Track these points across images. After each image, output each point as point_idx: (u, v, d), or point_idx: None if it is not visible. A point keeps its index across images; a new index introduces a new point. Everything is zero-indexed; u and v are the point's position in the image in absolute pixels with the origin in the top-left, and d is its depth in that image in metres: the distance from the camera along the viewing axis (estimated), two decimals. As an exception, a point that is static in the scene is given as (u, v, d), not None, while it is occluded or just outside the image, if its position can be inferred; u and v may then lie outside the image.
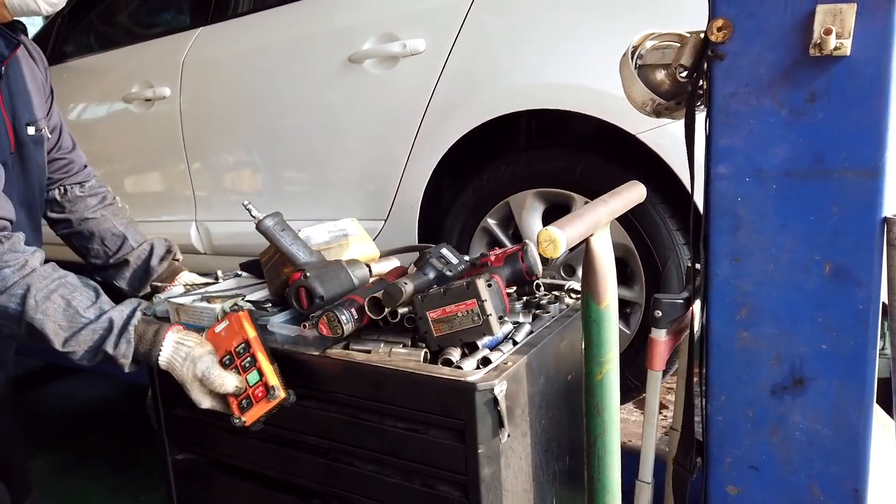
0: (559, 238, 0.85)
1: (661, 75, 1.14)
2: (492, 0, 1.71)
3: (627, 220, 1.61)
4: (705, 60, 1.03)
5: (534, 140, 1.88)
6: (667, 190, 1.57)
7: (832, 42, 0.90)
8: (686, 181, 1.49)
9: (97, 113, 2.69)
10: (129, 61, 2.58)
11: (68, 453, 2.75)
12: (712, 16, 0.99)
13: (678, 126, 1.47)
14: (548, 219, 1.79)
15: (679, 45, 1.12)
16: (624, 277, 1.67)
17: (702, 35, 1.03)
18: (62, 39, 2.90)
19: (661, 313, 1.14)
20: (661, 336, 1.15)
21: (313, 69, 2.02)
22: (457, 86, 1.77)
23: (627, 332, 1.71)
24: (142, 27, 3.29)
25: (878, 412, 1.03)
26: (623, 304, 1.66)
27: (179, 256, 1.63)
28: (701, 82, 1.05)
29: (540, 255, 1.01)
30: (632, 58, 1.16)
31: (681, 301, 1.14)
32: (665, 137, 1.51)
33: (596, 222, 0.95)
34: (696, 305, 1.23)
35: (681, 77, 1.08)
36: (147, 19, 3.49)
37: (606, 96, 1.52)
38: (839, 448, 1.01)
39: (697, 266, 1.25)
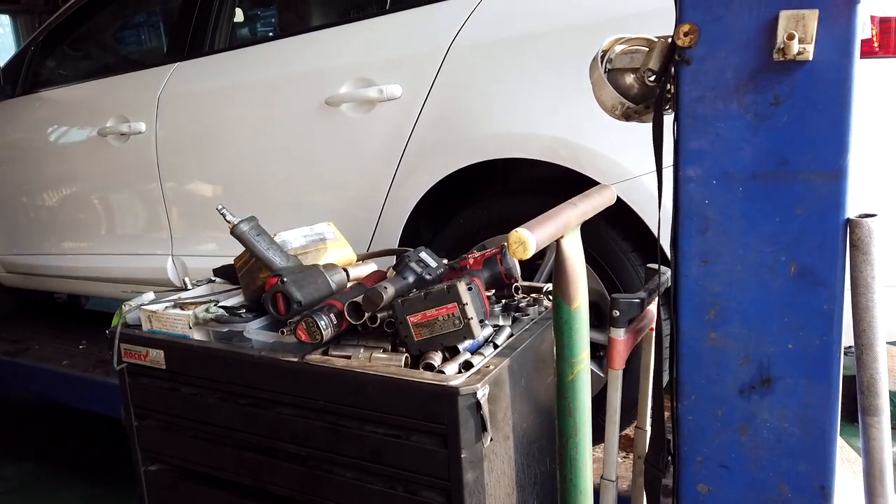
0: (528, 240, 0.86)
1: (629, 79, 1.16)
2: (466, 50, 1.74)
3: (600, 266, 1.66)
4: (673, 65, 1.04)
5: (509, 185, 1.91)
6: (638, 238, 1.62)
7: (795, 47, 0.92)
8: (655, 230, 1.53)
9: (71, 145, 2.65)
10: (105, 94, 2.55)
11: (41, 462, 2.70)
12: (679, 20, 1.00)
13: (650, 179, 1.56)
14: (524, 262, 1.83)
15: (647, 49, 1.14)
16: (597, 321, 1.70)
17: (669, 39, 1.05)
18: (35, 68, 2.85)
19: (618, 312, 1.16)
20: (619, 335, 1.17)
21: (291, 110, 2.03)
22: (433, 132, 1.80)
23: (601, 374, 1.72)
24: (117, 59, 3.27)
25: (842, 446, 1.06)
26: (596, 348, 1.69)
27: None
28: (669, 86, 1.07)
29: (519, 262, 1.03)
30: (601, 62, 1.17)
31: (637, 300, 1.16)
32: (638, 192, 1.56)
33: (565, 224, 0.96)
34: (654, 305, 1.26)
35: (649, 81, 1.10)
36: (122, 51, 3.46)
37: (577, 147, 1.58)
38: (806, 446, 1.03)
39: (655, 266, 1.29)
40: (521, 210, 1.74)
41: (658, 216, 1.10)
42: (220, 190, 2.26)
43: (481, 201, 1.83)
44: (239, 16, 2.51)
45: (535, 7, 1.71)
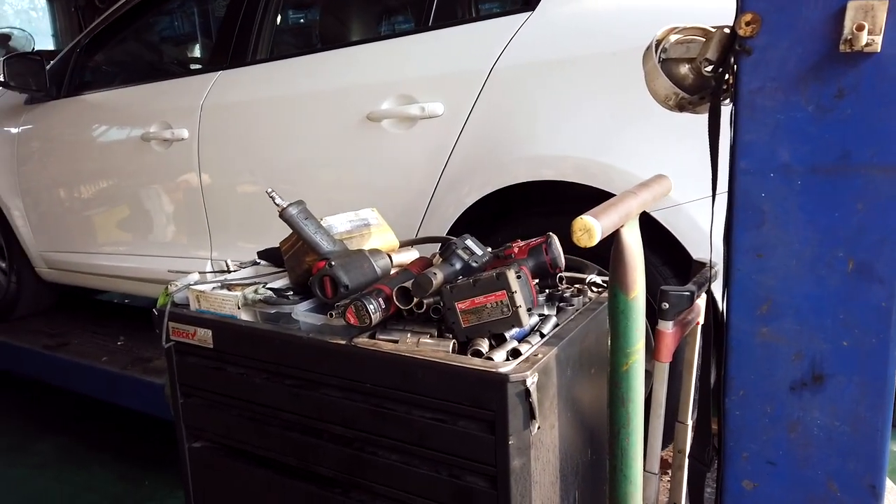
0: (594, 227, 0.86)
1: (684, 69, 1.15)
2: (509, 71, 1.75)
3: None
4: (732, 55, 1.03)
5: (546, 205, 1.91)
6: (678, 265, 1.62)
7: (863, 38, 0.90)
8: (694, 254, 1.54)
9: (115, 148, 2.69)
10: (148, 100, 2.59)
11: (75, 437, 2.76)
12: (741, 9, 0.99)
13: (692, 206, 1.56)
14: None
15: (704, 39, 1.12)
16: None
17: (728, 29, 1.04)
18: (79, 70, 2.90)
19: (667, 305, 1.15)
20: (668, 328, 1.16)
21: (332, 123, 2.04)
22: (473, 151, 1.80)
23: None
24: (160, 65, 3.32)
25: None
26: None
27: None
28: (726, 77, 1.06)
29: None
30: (655, 51, 1.16)
31: (687, 293, 1.15)
32: (680, 218, 1.57)
33: (627, 213, 0.96)
34: (703, 298, 1.25)
35: (706, 71, 1.08)
36: (165, 57, 3.52)
37: (619, 172, 1.58)
38: (857, 444, 1.02)
39: (705, 259, 1.28)
40: (557, 231, 1.77)
41: (711, 209, 1.09)
42: (259, 198, 2.27)
43: (518, 220, 1.84)
44: (281, 26, 2.54)
45: (577, 30, 1.71)
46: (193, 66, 3.39)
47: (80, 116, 2.81)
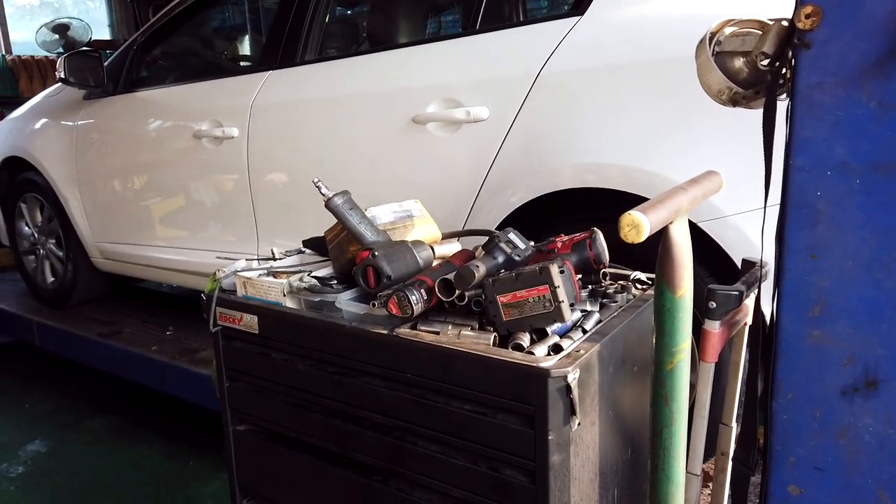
0: (643, 222, 0.85)
1: (739, 63, 1.12)
2: (556, 76, 1.73)
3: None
4: (789, 48, 1.00)
5: (594, 213, 1.89)
6: (722, 270, 1.60)
7: (931, 33, 0.86)
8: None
9: (167, 144, 2.77)
10: (200, 98, 2.65)
11: (125, 417, 2.86)
12: (801, 2, 0.96)
13: (739, 218, 1.53)
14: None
15: (760, 32, 1.09)
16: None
17: (786, 22, 1.01)
18: (135, 67, 2.99)
19: (714, 304, 1.12)
20: (714, 328, 1.13)
21: (378, 125, 2.06)
22: (517, 156, 1.79)
23: None
24: (212, 64, 3.41)
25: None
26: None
27: None
28: (783, 71, 1.03)
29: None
30: (709, 44, 1.13)
31: (735, 293, 1.13)
32: (727, 230, 1.54)
33: (677, 209, 0.94)
34: (751, 298, 1.22)
35: (762, 65, 1.05)
36: (217, 56, 3.59)
37: (666, 181, 1.54)
38: (911, 452, 0.99)
39: (755, 259, 1.24)
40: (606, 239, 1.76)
41: (763, 207, 1.06)
42: (305, 196, 2.30)
43: (566, 226, 1.82)
44: (330, 27, 2.56)
45: (626, 37, 1.69)
46: (244, 65, 3.45)
47: (135, 113, 2.89)
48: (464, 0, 2.64)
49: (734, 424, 1.31)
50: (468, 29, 2.01)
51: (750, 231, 1.53)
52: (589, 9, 1.74)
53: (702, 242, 1.57)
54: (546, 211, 1.85)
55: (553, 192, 1.75)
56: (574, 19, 1.75)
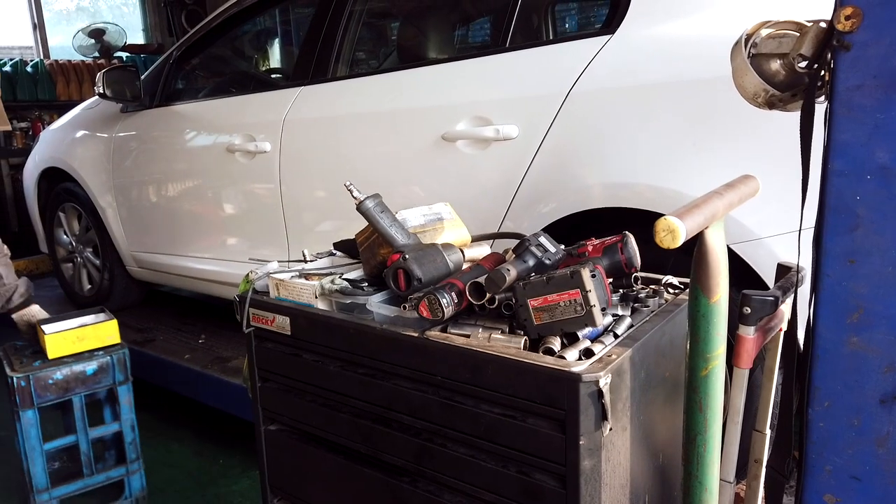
0: (679, 227, 0.84)
1: (776, 65, 1.10)
2: (586, 95, 1.72)
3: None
4: (828, 50, 0.98)
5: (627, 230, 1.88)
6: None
7: (976, 35, 0.84)
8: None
9: (201, 158, 2.82)
10: (234, 112, 2.69)
11: (157, 414, 2.91)
12: (840, 3, 0.94)
13: (773, 241, 1.50)
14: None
15: (798, 34, 1.07)
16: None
17: (825, 24, 0.99)
18: (170, 81, 3.05)
19: (749, 310, 1.11)
20: (749, 333, 1.11)
21: (408, 142, 2.07)
22: (546, 175, 1.78)
23: None
24: (246, 79, 3.46)
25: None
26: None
27: (33, 293, 2.29)
28: (822, 73, 1.01)
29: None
30: (745, 46, 1.12)
31: (770, 299, 1.11)
32: (761, 252, 1.52)
33: (713, 214, 0.93)
34: (787, 304, 1.20)
35: (799, 67, 1.04)
36: (251, 71, 3.62)
37: (692, 199, 1.51)
38: (953, 463, 0.96)
39: (791, 264, 1.22)
40: (641, 258, 1.72)
41: (801, 212, 1.04)
42: (336, 211, 2.35)
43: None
44: (360, 45, 2.58)
45: (657, 56, 1.67)
46: (276, 80, 3.49)
47: (170, 126, 2.95)
48: (494, 17, 2.64)
49: (768, 431, 1.29)
50: (498, 46, 2.00)
51: (783, 254, 1.51)
52: (620, 27, 1.72)
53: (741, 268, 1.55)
54: (570, 232, 1.84)
55: (580, 211, 1.74)
56: (605, 38, 1.73)
